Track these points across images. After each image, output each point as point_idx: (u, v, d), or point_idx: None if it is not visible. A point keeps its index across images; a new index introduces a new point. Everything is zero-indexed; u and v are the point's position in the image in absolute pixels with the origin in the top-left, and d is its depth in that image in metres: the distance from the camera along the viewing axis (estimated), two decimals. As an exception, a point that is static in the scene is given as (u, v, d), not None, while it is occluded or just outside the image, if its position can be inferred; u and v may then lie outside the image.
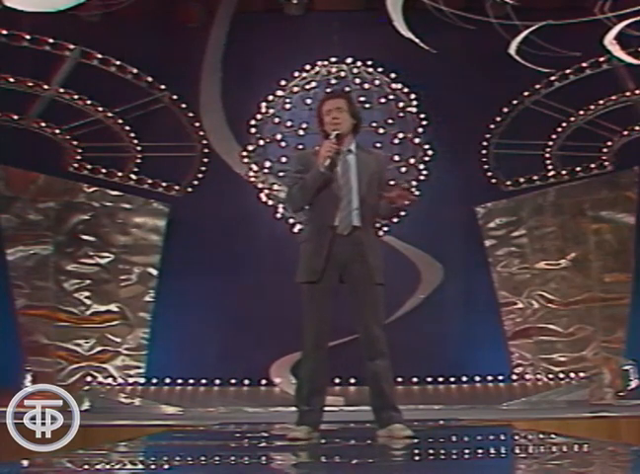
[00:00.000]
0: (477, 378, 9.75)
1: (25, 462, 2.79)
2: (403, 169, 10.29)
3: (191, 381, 9.69)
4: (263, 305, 9.69)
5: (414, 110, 10.37)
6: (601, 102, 10.27)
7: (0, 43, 9.71)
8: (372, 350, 3.75)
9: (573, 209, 10.20)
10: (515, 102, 10.54)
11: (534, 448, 3.31)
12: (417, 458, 3.00)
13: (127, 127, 10.48)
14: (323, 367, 3.80)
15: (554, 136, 10.51)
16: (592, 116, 10.37)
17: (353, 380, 9.15)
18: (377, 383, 3.76)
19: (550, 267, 10.19)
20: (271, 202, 10.36)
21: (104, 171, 10.40)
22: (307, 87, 10.31)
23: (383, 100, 10.34)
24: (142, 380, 9.84)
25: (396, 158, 10.25)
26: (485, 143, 10.60)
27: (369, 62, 10.38)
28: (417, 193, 10.31)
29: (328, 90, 9.73)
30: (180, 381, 9.69)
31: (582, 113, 10.39)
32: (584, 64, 10.16)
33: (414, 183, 10.34)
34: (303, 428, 3.73)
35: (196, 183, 10.56)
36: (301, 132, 10.09)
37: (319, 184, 3.81)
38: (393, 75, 10.39)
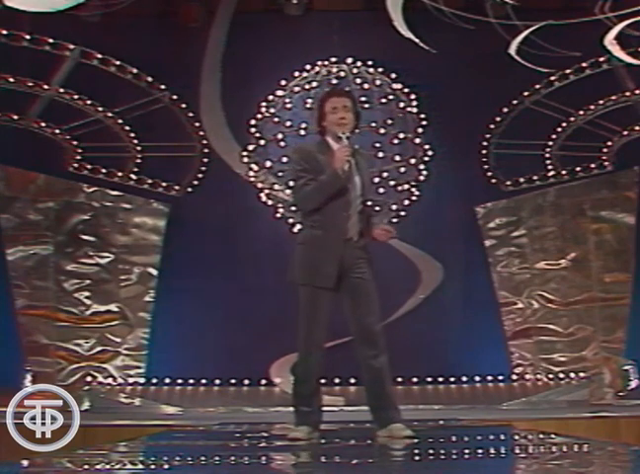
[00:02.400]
0: (477, 378, 9.75)
1: (25, 462, 2.79)
2: (403, 169, 10.30)
3: (191, 381, 9.69)
4: (263, 305, 9.69)
5: (414, 110, 10.38)
6: (601, 102, 10.26)
7: (0, 43, 9.71)
8: (374, 347, 3.75)
9: (573, 209, 10.19)
10: (515, 102, 10.52)
11: (534, 448, 3.31)
12: (417, 458, 3.01)
13: (127, 127, 10.47)
14: (321, 368, 3.82)
15: (554, 136, 10.50)
16: (592, 116, 10.36)
17: (353, 380, 9.15)
18: (378, 382, 3.76)
19: (550, 267, 10.19)
20: (271, 202, 10.36)
21: (104, 171, 10.39)
22: (307, 87, 10.32)
23: (384, 100, 10.35)
24: (142, 380, 9.84)
25: (396, 158, 10.27)
26: (485, 143, 10.59)
27: (370, 62, 10.39)
28: (416, 194, 10.36)
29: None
30: (180, 381, 9.68)
31: (582, 113, 10.38)
32: (584, 64, 10.15)
33: (413, 183, 10.36)
34: (303, 428, 3.74)
35: (196, 183, 10.55)
36: (302, 132, 10.11)
37: (337, 188, 3.79)
38: (393, 75, 10.40)
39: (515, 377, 9.92)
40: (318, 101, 4.10)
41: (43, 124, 10.25)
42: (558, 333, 10.01)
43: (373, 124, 10.10)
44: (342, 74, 10.36)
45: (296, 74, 10.41)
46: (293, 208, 9.50)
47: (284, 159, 10.06)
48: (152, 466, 2.86)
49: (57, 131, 10.31)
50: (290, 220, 10.13)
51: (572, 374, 9.70)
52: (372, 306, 3.82)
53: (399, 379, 8.63)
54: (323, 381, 3.93)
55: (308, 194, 3.83)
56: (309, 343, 3.77)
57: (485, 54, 9.88)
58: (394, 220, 10.08)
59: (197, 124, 10.60)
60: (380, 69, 10.41)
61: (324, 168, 3.82)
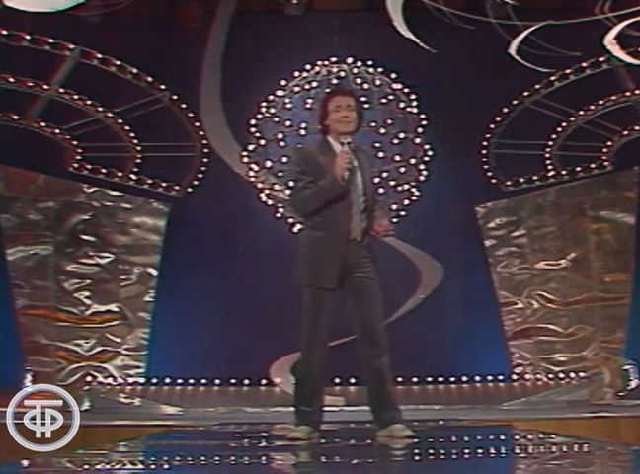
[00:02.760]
0: (477, 378, 9.75)
1: (25, 462, 2.79)
2: (403, 169, 10.30)
3: (191, 381, 9.69)
4: (263, 305, 9.69)
5: (414, 110, 10.38)
6: (601, 102, 10.26)
7: (0, 43, 9.70)
8: (377, 347, 3.75)
9: (573, 209, 10.19)
10: (515, 102, 10.52)
11: (534, 448, 3.32)
12: (417, 458, 3.01)
13: (127, 127, 10.47)
14: (324, 368, 3.81)
15: (554, 136, 10.50)
16: (592, 116, 10.36)
17: (353, 380, 9.15)
18: (380, 382, 3.76)
19: (550, 267, 10.19)
20: (271, 202, 10.36)
21: (104, 171, 10.39)
22: (307, 87, 10.33)
23: (384, 100, 10.36)
24: (142, 380, 9.84)
25: (396, 158, 10.27)
26: (485, 143, 10.58)
27: (370, 62, 10.39)
28: (416, 194, 10.36)
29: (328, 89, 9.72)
30: (180, 381, 9.68)
31: (582, 113, 10.38)
32: (584, 64, 10.15)
33: (413, 183, 10.36)
34: (304, 428, 3.74)
35: (196, 183, 10.55)
36: (302, 132, 10.11)
37: (336, 194, 3.78)
38: (393, 75, 10.40)
39: (515, 377, 9.91)
40: (321, 99, 4.09)
41: (43, 124, 10.25)
42: (558, 333, 10.01)
43: (373, 124, 10.09)
44: (342, 74, 10.36)
45: (296, 74, 10.41)
46: (290, 208, 9.51)
47: (284, 159, 10.07)
48: (152, 466, 2.87)
49: (57, 131, 10.31)
50: (290, 220, 10.13)
51: (572, 374, 9.70)
52: (376, 306, 3.82)
53: (399, 379, 8.62)
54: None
55: (307, 198, 3.83)
56: (312, 343, 3.77)
57: (485, 54, 9.88)
58: (394, 220, 10.08)
59: (197, 124, 10.60)
60: (380, 69, 10.41)
61: (324, 170, 3.80)
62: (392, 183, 10.25)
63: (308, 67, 10.41)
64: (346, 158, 3.75)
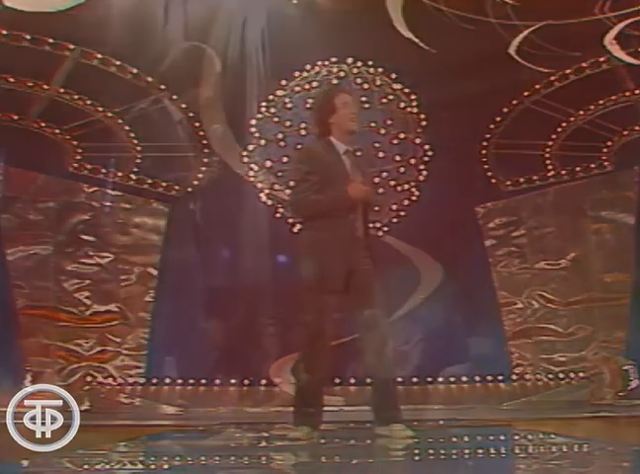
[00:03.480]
0: (477, 378, 9.75)
1: (25, 462, 2.79)
2: (403, 169, 10.30)
3: (191, 381, 9.68)
4: (263, 305, 9.68)
5: (414, 110, 10.38)
6: (601, 102, 10.24)
7: (0, 43, 9.69)
8: (381, 345, 3.76)
9: (573, 209, 10.19)
10: (515, 102, 10.51)
11: (534, 448, 3.32)
12: (417, 458, 3.01)
13: (127, 127, 10.47)
14: (326, 369, 3.82)
15: (554, 136, 10.49)
16: (592, 116, 10.35)
17: (353, 380, 9.15)
18: (382, 382, 3.77)
19: (550, 267, 10.18)
20: (271, 202, 10.36)
21: (104, 171, 10.39)
22: (308, 87, 10.32)
23: (384, 100, 10.35)
24: (142, 380, 9.84)
25: (396, 158, 10.27)
26: (485, 143, 10.58)
27: (370, 62, 10.38)
28: (416, 194, 10.36)
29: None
30: (180, 381, 9.68)
31: (582, 113, 10.37)
32: (584, 64, 10.14)
33: (413, 183, 10.35)
34: (303, 428, 3.74)
35: (196, 183, 10.55)
36: (302, 132, 10.10)
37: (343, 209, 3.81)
38: (393, 75, 10.39)
39: (515, 377, 9.91)
40: (324, 97, 4.06)
41: (43, 124, 10.25)
42: (558, 333, 10.00)
43: (373, 124, 10.09)
44: (342, 74, 10.36)
45: (296, 74, 10.41)
46: (290, 207, 9.50)
47: (285, 159, 10.07)
48: (152, 466, 2.87)
49: (57, 131, 10.31)
50: (290, 220, 10.12)
51: (572, 374, 9.70)
52: (378, 304, 3.83)
53: (399, 379, 8.61)
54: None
55: (314, 203, 3.84)
56: (316, 344, 3.77)
57: (485, 54, 9.86)
58: (394, 220, 10.08)
59: (197, 124, 10.59)
60: (380, 69, 10.41)
61: (330, 170, 3.83)
62: (392, 183, 10.25)
63: (308, 67, 10.40)
64: (367, 194, 3.79)
